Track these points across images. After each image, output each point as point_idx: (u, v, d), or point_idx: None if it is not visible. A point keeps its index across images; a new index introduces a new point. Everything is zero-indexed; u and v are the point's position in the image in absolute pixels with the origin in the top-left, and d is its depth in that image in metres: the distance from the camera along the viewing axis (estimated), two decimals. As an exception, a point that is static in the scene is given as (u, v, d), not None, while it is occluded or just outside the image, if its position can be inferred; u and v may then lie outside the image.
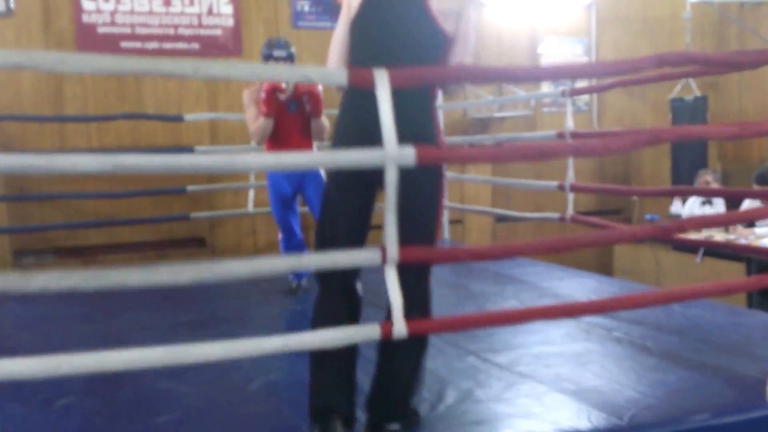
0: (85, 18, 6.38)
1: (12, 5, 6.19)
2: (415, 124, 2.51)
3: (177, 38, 6.53)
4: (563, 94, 5.02)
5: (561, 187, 4.86)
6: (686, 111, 7.74)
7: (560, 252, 2.77)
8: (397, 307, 2.32)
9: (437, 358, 3.37)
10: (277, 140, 4.71)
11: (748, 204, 6.12)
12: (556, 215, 4.94)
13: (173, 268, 2.24)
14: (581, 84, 7.31)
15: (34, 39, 6.22)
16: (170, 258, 6.37)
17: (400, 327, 2.33)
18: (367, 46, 2.64)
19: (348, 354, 2.58)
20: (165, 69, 2.32)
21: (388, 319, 2.35)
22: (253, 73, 2.76)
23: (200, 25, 6.65)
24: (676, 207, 7.24)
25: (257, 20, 6.87)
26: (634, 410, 2.72)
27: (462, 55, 2.69)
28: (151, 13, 6.52)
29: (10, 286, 2.06)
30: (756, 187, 6.08)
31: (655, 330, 3.76)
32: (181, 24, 6.56)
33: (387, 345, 2.50)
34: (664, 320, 3.92)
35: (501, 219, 7.68)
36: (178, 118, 6.25)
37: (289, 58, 4.70)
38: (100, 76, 6.24)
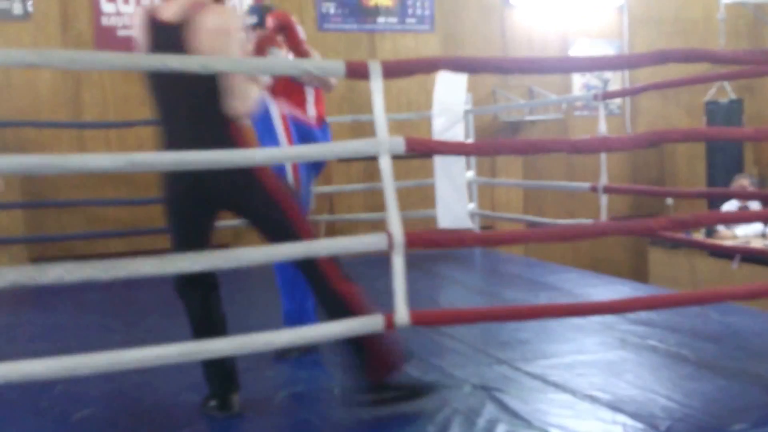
0: (104, 21, 6.38)
1: (30, 8, 6.21)
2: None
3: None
4: (595, 97, 4.96)
5: (594, 189, 4.79)
6: (721, 114, 7.62)
7: (557, 241, 2.79)
8: (400, 293, 2.48)
9: (467, 367, 3.32)
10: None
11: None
12: (589, 221, 4.87)
13: (186, 256, 2.29)
14: (613, 87, 7.22)
15: (52, 42, 6.20)
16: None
17: (402, 314, 2.48)
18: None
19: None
20: (173, 65, 2.35)
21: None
22: (259, 67, 2.77)
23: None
24: (713, 212, 7.14)
25: (282, 24, 6.85)
26: (670, 420, 2.65)
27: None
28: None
29: (27, 278, 2.10)
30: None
31: (691, 337, 3.68)
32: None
33: None
34: (701, 327, 3.83)
35: (533, 226, 7.59)
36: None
37: (261, 24, 4.02)
38: (121, 79, 6.25)
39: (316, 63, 2.63)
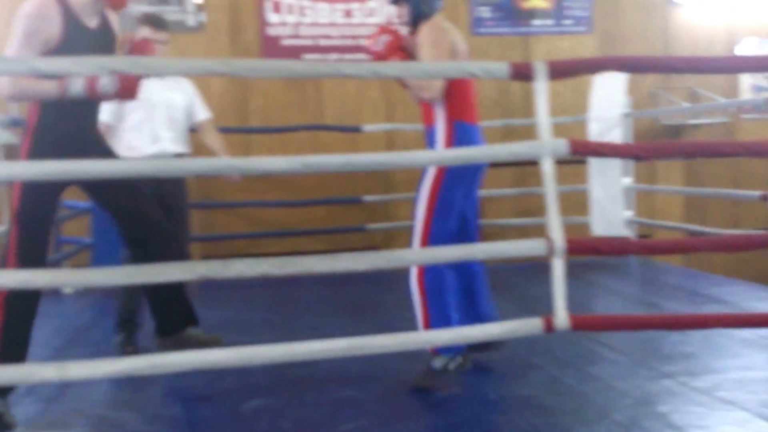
0: (270, 31, 6.60)
1: (204, 20, 6.53)
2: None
3: (357, 49, 6.63)
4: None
5: (765, 198, 4.51)
6: None
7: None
8: (560, 297, 2.48)
9: (628, 380, 3.19)
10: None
11: None
12: (758, 232, 4.58)
13: (352, 255, 2.51)
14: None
15: (222, 52, 6.50)
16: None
17: (562, 318, 2.47)
18: None
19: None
20: (345, 71, 2.46)
21: None
22: (430, 70, 2.78)
23: (380, 36, 6.75)
24: None
25: (437, 30, 6.86)
26: None
27: None
28: (332, 24, 6.67)
29: (214, 272, 2.31)
30: None
31: None
32: (361, 35, 6.64)
33: None
34: None
35: (694, 234, 7.23)
36: (356, 129, 6.35)
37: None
38: (284, 86, 6.45)
39: (481, 65, 2.60)
